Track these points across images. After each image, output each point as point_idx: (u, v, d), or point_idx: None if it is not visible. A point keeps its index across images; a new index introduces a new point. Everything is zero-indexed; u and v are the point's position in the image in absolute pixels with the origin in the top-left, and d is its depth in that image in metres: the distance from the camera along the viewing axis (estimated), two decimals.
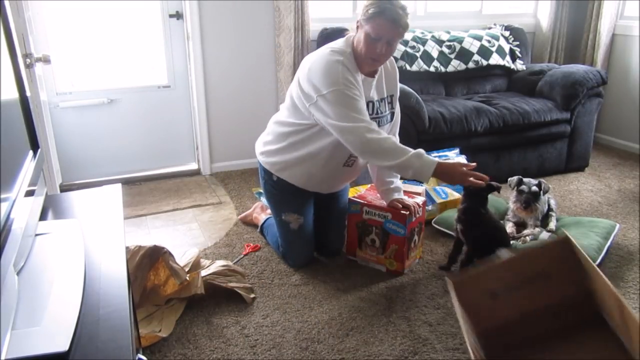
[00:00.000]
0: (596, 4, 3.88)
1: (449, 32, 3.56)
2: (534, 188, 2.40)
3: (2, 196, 0.79)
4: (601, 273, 1.28)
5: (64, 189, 2.99)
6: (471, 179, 1.84)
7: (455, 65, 3.46)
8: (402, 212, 2.08)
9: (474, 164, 1.91)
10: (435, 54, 3.42)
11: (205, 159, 3.37)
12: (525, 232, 2.42)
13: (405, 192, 2.22)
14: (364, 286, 2.10)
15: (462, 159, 2.95)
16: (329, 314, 1.91)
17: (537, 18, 4.07)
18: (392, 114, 2.15)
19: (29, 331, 0.73)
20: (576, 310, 1.33)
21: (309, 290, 2.07)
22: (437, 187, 2.77)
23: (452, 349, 1.73)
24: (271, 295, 2.04)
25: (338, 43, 1.99)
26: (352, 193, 2.34)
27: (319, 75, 1.88)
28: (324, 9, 3.44)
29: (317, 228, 2.31)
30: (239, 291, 1.98)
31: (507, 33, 3.71)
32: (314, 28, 3.28)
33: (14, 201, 0.86)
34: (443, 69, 3.42)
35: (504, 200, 2.70)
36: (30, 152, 1.08)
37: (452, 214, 2.40)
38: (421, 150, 1.86)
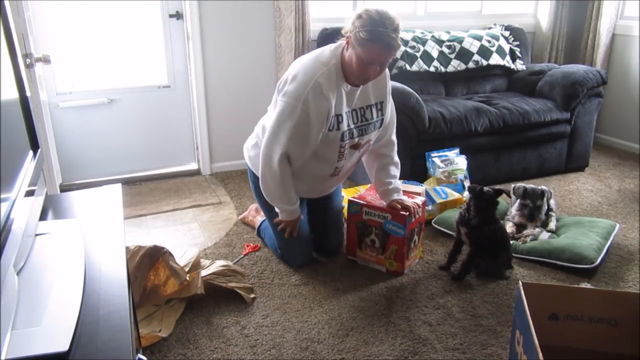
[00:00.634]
0: (596, 4, 3.88)
1: (449, 32, 3.57)
2: (539, 202, 2.42)
3: (2, 196, 0.79)
4: None
5: (64, 189, 2.99)
6: None
7: (455, 65, 3.46)
8: (402, 212, 2.08)
9: None
10: (435, 54, 3.42)
11: (205, 159, 3.37)
12: (526, 232, 2.42)
13: (405, 192, 2.22)
14: (364, 286, 2.10)
15: (463, 159, 2.95)
16: (329, 314, 1.91)
17: (537, 18, 4.07)
18: (382, 121, 2.11)
19: (29, 331, 0.73)
20: None
21: (309, 290, 2.07)
22: (437, 187, 2.77)
23: (452, 349, 1.73)
24: (271, 295, 2.04)
25: (325, 54, 1.95)
26: (352, 193, 2.34)
27: (293, 83, 1.90)
28: (324, 8, 3.44)
29: (315, 230, 2.31)
30: (239, 291, 1.98)
31: (507, 33, 3.71)
32: (314, 28, 3.28)
33: (14, 201, 0.86)
34: (443, 69, 3.42)
35: (504, 200, 2.70)
36: (30, 152, 1.08)
37: (452, 214, 2.40)
38: (295, 206, 2.09)
